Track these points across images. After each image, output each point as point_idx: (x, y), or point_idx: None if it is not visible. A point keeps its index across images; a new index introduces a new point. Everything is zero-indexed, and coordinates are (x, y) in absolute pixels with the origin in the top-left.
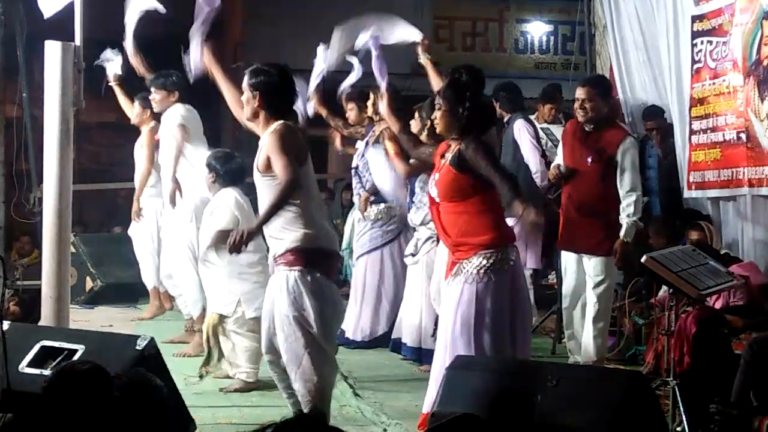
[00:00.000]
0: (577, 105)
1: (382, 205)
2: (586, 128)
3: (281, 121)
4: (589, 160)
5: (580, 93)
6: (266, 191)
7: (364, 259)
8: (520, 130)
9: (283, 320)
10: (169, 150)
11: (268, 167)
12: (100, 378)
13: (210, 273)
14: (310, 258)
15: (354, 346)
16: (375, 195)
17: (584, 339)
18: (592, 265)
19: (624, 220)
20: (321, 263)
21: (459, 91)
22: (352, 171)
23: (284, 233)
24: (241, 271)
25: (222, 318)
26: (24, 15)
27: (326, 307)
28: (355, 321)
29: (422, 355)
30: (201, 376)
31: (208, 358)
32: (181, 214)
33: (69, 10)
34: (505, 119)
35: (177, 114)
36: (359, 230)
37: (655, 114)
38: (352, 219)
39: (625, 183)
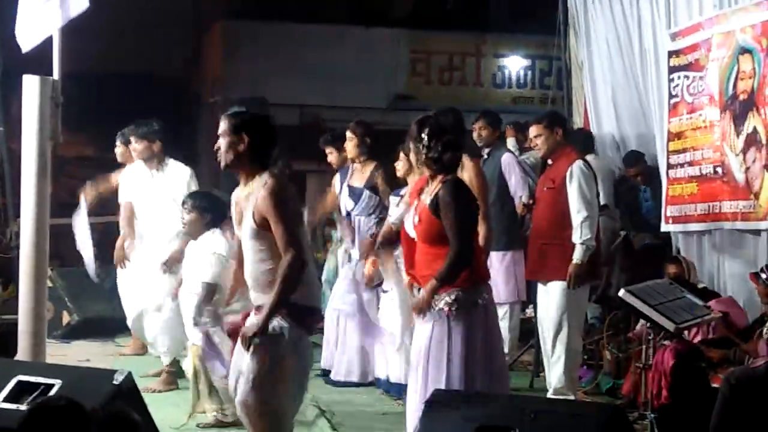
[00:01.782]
0: (533, 143)
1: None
2: (548, 162)
3: (271, 173)
4: (545, 188)
5: (531, 132)
6: (258, 244)
7: (355, 303)
8: (509, 165)
9: (251, 363)
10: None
11: (264, 224)
12: (75, 414)
13: (190, 307)
14: (298, 314)
15: (350, 386)
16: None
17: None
18: (549, 291)
19: (575, 242)
20: (306, 320)
21: (418, 128)
22: (344, 215)
23: (272, 289)
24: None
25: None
26: (0, 48)
27: (300, 364)
28: (360, 363)
29: (396, 389)
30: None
31: (198, 395)
32: (157, 265)
33: (47, 44)
34: (486, 151)
35: (186, 173)
36: (350, 274)
37: (636, 159)
38: (334, 254)
39: (573, 206)
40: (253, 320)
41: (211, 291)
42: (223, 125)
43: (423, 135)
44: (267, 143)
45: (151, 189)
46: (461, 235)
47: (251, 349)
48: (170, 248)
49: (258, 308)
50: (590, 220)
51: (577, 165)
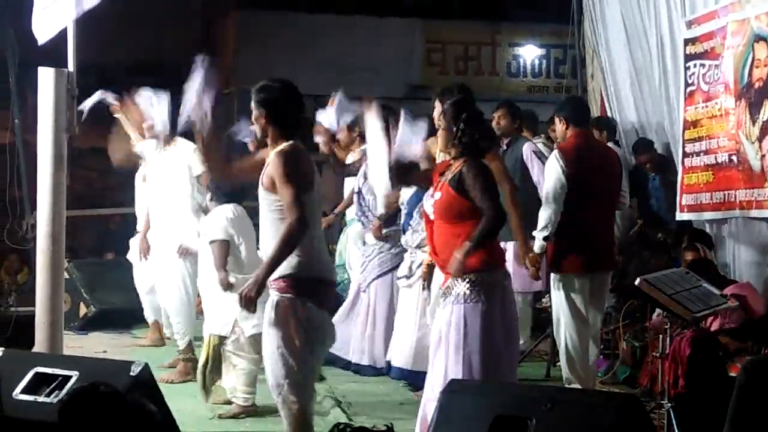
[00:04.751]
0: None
1: (391, 229)
2: None
3: (290, 141)
4: None
5: None
6: (267, 209)
7: (375, 285)
8: (531, 155)
9: (268, 345)
10: (185, 184)
11: (272, 186)
12: (116, 403)
13: (207, 293)
14: (302, 287)
15: (371, 373)
16: (385, 219)
17: None
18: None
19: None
20: (314, 292)
21: (456, 109)
22: (355, 195)
23: None
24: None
25: (221, 339)
26: (16, 41)
27: (313, 337)
28: (369, 347)
29: (412, 377)
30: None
31: (205, 383)
32: (171, 248)
33: (62, 36)
34: (505, 142)
35: (191, 148)
36: (367, 254)
37: (645, 147)
38: (345, 235)
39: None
40: (251, 282)
41: (221, 249)
42: (252, 102)
43: (461, 118)
44: (287, 111)
45: (160, 165)
46: (492, 198)
47: (265, 328)
48: (186, 228)
49: (270, 281)
50: (544, 209)
51: (553, 155)
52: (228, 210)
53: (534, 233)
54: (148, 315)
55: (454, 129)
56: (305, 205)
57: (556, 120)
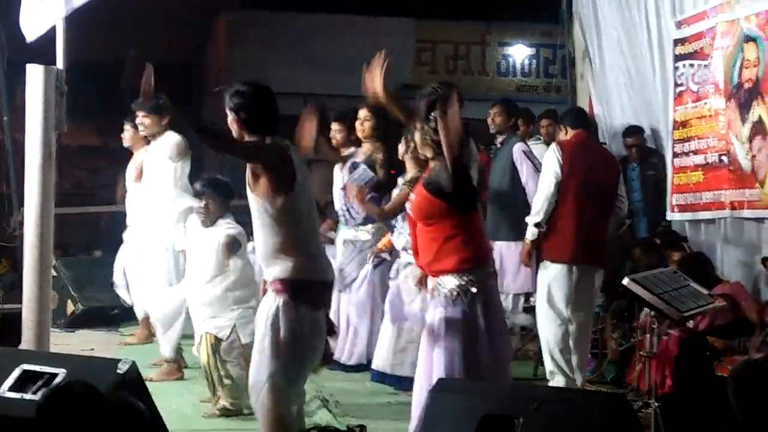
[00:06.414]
0: None
1: (370, 226)
2: None
3: (268, 140)
4: None
5: None
6: (256, 213)
7: (356, 283)
8: (521, 155)
9: (257, 344)
10: (166, 174)
11: (256, 187)
12: (94, 402)
13: (206, 295)
14: (296, 289)
15: (351, 370)
16: (364, 218)
17: None
18: None
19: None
20: (308, 294)
21: (428, 107)
22: (339, 191)
23: (273, 262)
24: (236, 296)
25: (218, 340)
26: (4, 38)
27: (301, 341)
28: (350, 346)
29: (389, 379)
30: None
31: (212, 383)
32: (155, 242)
33: (51, 33)
34: (498, 140)
35: (173, 139)
36: (347, 254)
37: (635, 132)
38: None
39: None
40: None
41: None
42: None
43: (431, 116)
44: (260, 113)
45: (146, 162)
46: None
47: (257, 326)
48: (176, 232)
49: (266, 282)
50: (537, 197)
51: (550, 147)
52: (236, 228)
53: (526, 219)
54: (138, 311)
55: (425, 127)
56: (249, 146)
57: (560, 129)
